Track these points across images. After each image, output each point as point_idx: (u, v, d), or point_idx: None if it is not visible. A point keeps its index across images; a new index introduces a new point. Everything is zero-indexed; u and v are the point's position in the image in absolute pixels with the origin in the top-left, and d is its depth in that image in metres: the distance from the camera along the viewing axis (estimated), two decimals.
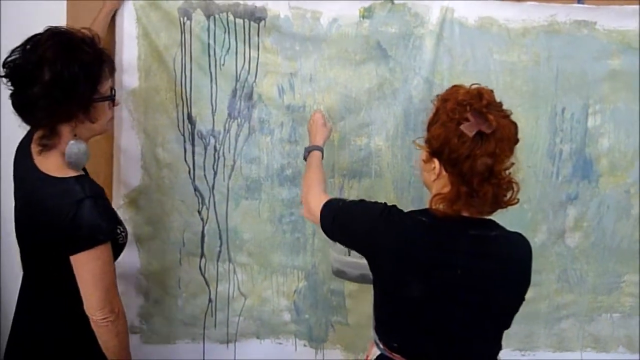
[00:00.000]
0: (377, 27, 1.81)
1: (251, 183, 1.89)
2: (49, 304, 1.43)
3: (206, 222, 1.90)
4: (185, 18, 1.76)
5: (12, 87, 1.31)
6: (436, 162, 1.22)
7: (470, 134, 1.14)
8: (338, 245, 1.50)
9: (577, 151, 1.89)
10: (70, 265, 1.34)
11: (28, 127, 1.40)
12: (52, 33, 1.32)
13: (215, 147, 1.85)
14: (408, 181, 1.89)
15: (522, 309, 1.29)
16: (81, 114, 1.34)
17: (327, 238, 1.42)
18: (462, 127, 1.15)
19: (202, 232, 1.90)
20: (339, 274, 1.75)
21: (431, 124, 1.23)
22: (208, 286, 1.94)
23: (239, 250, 1.92)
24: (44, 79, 1.27)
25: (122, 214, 1.84)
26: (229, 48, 1.79)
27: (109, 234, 1.34)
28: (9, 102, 1.33)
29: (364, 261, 1.32)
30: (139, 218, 1.88)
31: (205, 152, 1.85)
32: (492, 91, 1.22)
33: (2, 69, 1.31)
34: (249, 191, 1.89)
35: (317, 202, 1.39)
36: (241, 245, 1.92)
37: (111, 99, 1.40)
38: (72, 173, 1.34)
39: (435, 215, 1.22)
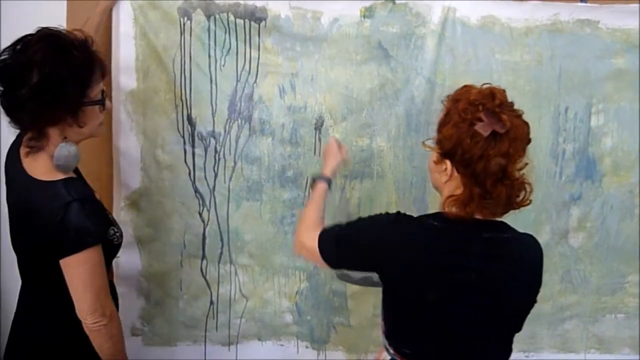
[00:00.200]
0: (378, 26, 1.80)
1: (252, 184, 1.88)
2: (46, 305, 1.43)
3: (207, 224, 1.90)
4: (185, 18, 1.75)
5: (0, 88, 1.29)
6: (448, 164, 1.21)
7: (485, 133, 1.13)
8: None
9: (580, 151, 1.89)
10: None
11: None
12: (43, 35, 1.31)
13: (215, 148, 1.85)
14: (410, 182, 1.89)
15: None
16: (69, 118, 1.32)
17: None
18: (476, 127, 1.14)
19: (203, 233, 1.90)
20: (343, 277, 1.75)
21: (442, 124, 1.22)
22: (209, 288, 1.94)
23: (240, 251, 1.92)
24: (32, 81, 1.26)
25: (123, 216, 1.85)
26: (229, 48, 1.78)
27: (97, 236, 1.33)
28: None
29: None
30: (139, 220, 1.88)
31: (206, 154, 1.85)
32: (504, 91, 1.21)
33: None
34: (250, 192, 1.89)
35: (310, 235, 1.35)
36: (242, 246, 1.92)
37: (101, 103, 1.38)
38: (60, 176, 1.34)
39: (447, 219, 1.21)
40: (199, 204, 1.88)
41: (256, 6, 1.76)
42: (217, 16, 1.75)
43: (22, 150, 1.37)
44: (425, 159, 1.81)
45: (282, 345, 2.00)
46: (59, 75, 1.27)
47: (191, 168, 1.86)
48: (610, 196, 1.91)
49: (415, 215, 1.84)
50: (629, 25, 1.80)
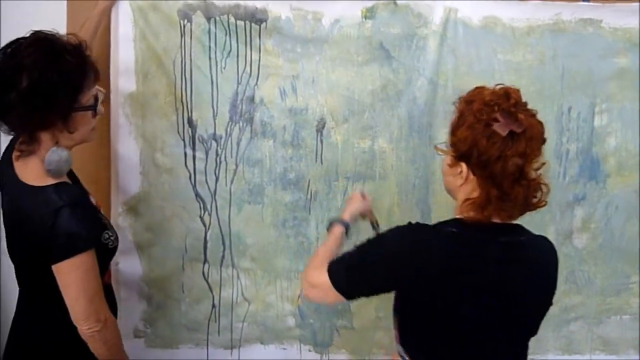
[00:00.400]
0: (379, 27, 1.80)
1: (254, 187, 1.88)
2: (42, 311, 1.43)
3: (208, 228, 1.89)
4: (185, 20, 1.75)
5: None
6: (463, 166, 1.20)
7: (504, 133, 1.12)
8: None
9: (583, 151, 1.88)
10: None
11: None
12: (35, 38, 1.30)
13: (217, 151, 1.84)
14: (412, 183, 1.89)
15: None
16: (60, 123, 1.32)
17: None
18: (494, 127, 1.13)
19: (205, 237, 1.89)
20: None
21: (456, 127, 1.21)
22: (211, 291, 1.93)
23: (242, 255, 1.91)
24: (21, 86, 1.25)
25: (121, 222, 1.84)
26: (229, 50, 1.78)
27: (89, 241, 1.32)
28: None
29: None
30: (138, 225, 1.87)
31: (207, 157, 1.84)
32: (518, 90, 1.20)
33: None
34: (251, 195, 1.88)
35: (317, 272, 1.29)
36: (244, 250, 1.91)
37: (93, 109, 1.37)
38: (51, 181, 1.33)
39: (464, 225, 1.20)
40: (200, 208, 1.87)
41: (257, 8, 1.75)
42: (217, 18, 1.75)
43: (14, 154, 1.37)
44: (427, 160, 1.88)
45: (284, 348, 1.98)
46: (49, 80, 1.26)
47: (192, 171, 1.85)
48: (614, 196, 1.90)
49: (417, 217, 1.89)
50: (632, 24, 1.80)
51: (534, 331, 1.27)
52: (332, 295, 1.26)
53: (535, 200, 1.18)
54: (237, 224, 1.89)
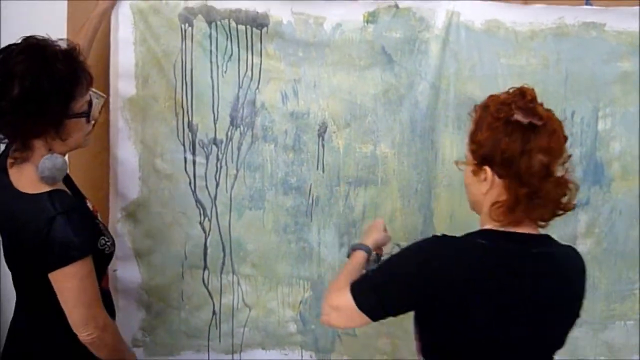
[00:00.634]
0: (381, 32, 1.79)
1: (254, 192, 1.86)
2: (39, 318, 1.42)
3: (208, 234, 1.87)
4: (187, 24, 1.74)
5: None
6: (487, 171, 1.17)
7: (525, 120, 1.11)
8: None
9: (587, 155, 1.87)
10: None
11: None
12: (26, 45, 1.30)
13: (217, 156, 1.83)
14: (415, 189, 1.87)
15: None
16: (52, 131, 1.32)
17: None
18: (515, 116, 1.12)
19: (205, 244, 1.88)
20: None
21: (474, 132, 1.20)
22: (212, 298, 1.92)
23: (243, 261, 1.90)
24: (12, 94, 1.25)
25: (120, 228, 1.83)
26: (231, 55, 1.77)
27: (83, 250, 1.32)
28: None
29: None
30: (137, 232, 1.85)
31: (207, 162, 1.83)
32: (533, 89, 1.20)
33: None
34: (252, 201, 1.87)
35: (339, 294, 1.22)
36: (245, 256, 1.90)
37: (86, 115, 1.37)
38: (45, 188, 1.33)
39: (494, 235, 1.17)
40: (200, 214, 1.86)
41: (258, 12, 1.74)
42: (218, 22, 1.74)
43: (8, 161, 1.37)
44: (430, 164, 1.86)
45: (286, 354, 1.96)
46: (40, 88, 1.26)
47: (192, 177, 1.83)
48: (618, 201, 1.89)
49: (419, 223, 1.87)
50: (636, 28, 1.79)
51: (561, 344, 1.24)
52: (356, 317, 1.20)
53: (564, 200, 1.16)
54: (238, 229, 1.87)
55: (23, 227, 1.31)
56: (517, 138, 1.12)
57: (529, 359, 1.20)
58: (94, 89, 1.52)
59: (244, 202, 1.86)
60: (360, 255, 1.39)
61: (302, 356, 1.96)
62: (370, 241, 1.44)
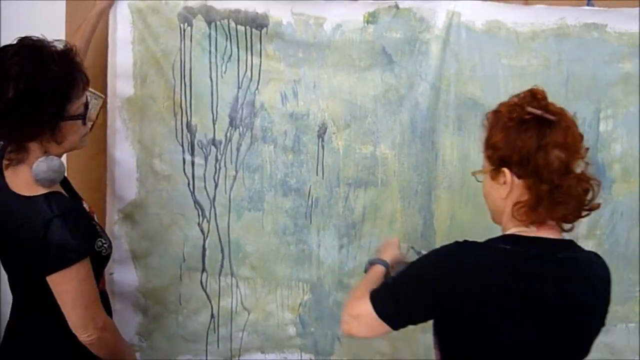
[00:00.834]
0: (382, 32, 1.78)
1: (254, 194, 1.85)
2: (38, 317, 1.41)
3: (207, 236, 1.85)
4: (186, 24, 1.73)
5: None
6: (506, 172, 1.15)
7: (539, 112, 1.11)
8: None
9: (589, 157, 1.82)
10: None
11: None
12: (21, 47, 1.29)
13: (216, 157, 1.81)
14: (415, 190, 1.86)
15: None
16: (47, 133, 1.30)
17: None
18: (528, 109, 1.12)
19: (203, 245, 1.86)
20: None
21: (489, 137, 1.19)
22: (210, 301, 1.89)
23: (242, 263, 1.88)
24: (6, 97, 1.24)
25: (117, 230, 1.81)
26: (230, 55, 1.76)
27: (81, 252, 1.31)
28: None
29: None
30: (135, 233, 1.83)
31: (206, 163, 1.81)
32: (544, 90, 1.20)
33: None
34: (251, 202, 1.85)
35: (359, 303, 1.20)
36: (244, 258, 1.88)
37: (81, 117, 1.35)
38: (41, 190, 1.31)
39: (518, 240, 1.15)
40: (199, 215, 1.84)
41: (257, 13, 1.73)
42: (217, 22, 1.73)
43: (3, 163, 1.35)
44: (430, 165, 1.85)
45: (285, 358, 1.95)
46: (35, 90, 1.25)
47: (190, 178, 1.81)
48: (620, 203, 1.89)
49: (419, 224, 1.85)
50: (637, 29, 1.79)
51: (587, 352, 1.21)
52: (376, 326, 1.17)
53: (588, 198, 1.14)
54: (237, 231, 1.85)
55: (20, 229, 1.30)
56: (533, 134, 1.11)
57: None
58: (91, 90, 1.50)
59: (243, 204, 1.84)
60: (379, 269, 1.37)
61: (301, 359, 1.94)
62: (387, 257, 1.42)
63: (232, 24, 1.72)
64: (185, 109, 1.76)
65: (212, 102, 1.77)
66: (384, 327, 1.16)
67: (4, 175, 1.35)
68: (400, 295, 1.16)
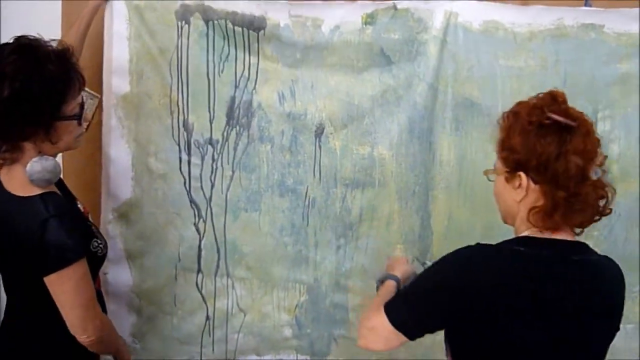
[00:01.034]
0: (380, 33, 1.77)
1: (251, 194, 1.82)
2: (34, 317, 1.38)
3: (203, 236, 1.82)
4: (183, 22, 1.70)
5: None
6: (522, 177, 1.13)
7: (561, 120, 1.08)
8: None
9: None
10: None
11: None
12: (17, 46, 1.27)
13: (213, 156, 1.79)
14: (412, 190, 1.84)
15: None
16: (42, 133, 1.29)
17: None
18: (552, 116, 1.09)
19: (199, 246, 1.83)
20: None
21: (506, 139, 1.15)
22: (205, 303, 1.86)
23: (238, 264, 1.85)
24: (2, 96, 1.23)
25: (111, 229, 1.77)
26: (227, 54, 1.73)
27: (78, 252, 1.30)
28: None
29: None
30: (130, 233, 1.80)
31: (202, 162, 1.79)
32: (563, 93, 1.16)
33: None
34: (248, 202, 1.82)
35: (374, 315, 1.17)
36: (240, 259, 1.85)
37: (77, 118, 1.34)
38: (37, 190, 1.30)
39: (532, 242, 1.12)
40: (195, 215, 1.81)
41: (254, 15, 1.71)
42: (215, 22, 1.70)
43: None
44: (428, 166, 1.82)
45: (281, 359, 1.91)
46: (31, 90, 1.23)
47: (186, 177, 1.79)
48: (617, 204, 1.76)
49: (417, 225, 1.82)
50: (635, 30, 1.78)
51: (602, 357, 1.18)
52: (392, 336, 1.14)
53: (602, 203, 1.13)
54: (233, 232, 1.83)
55: (15, 229, 1.28)
56: (553, 140, 1.08)
57: None
58: (87, 89, 1.47)
59: (240, 204, 1.81)
60: (390, 284, 1.34)
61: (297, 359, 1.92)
62: (398, 272, 1.40)
63: (230, 25, 1.70)
64: (182, 107, 1.73)
65: (209, 101, 1.74)
66: (399, 337, 1.14)
67: None
68: (413, 303, 1.14)
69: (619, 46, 1.78)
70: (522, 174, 1.12)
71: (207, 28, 1.70)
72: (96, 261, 1.41)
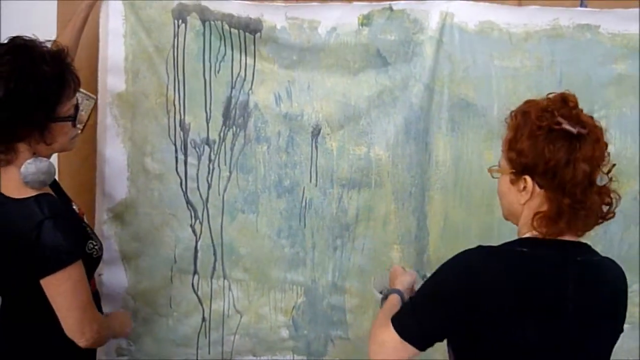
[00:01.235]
0: (376, 34, 1.74)
1: (248, 195, 1.79)
2: (29, 319, 1.36)
3: (199, 237, 1.79)
4: (180, 21, 1.67)
5: None
6: (528, 180, 1.10)
7: (575, 130, 1.05)
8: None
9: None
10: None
11: None
12: (12, 46, 1.26)
13: (209, 157, 1.75)
14: (409, 191, 1.81)
15: None
16: (37, 135, 1.27)
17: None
18: (564, 125, 1.05)
19: (195, 247, 1.79)
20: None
21: (513, 140, 1.12)
22: (201, 304, 1.83)
23: (235, 266, 1.82)
24: None
25: (106, 230, 1.74)
26: (224, 55, 1.70)
27: (74, 253, 1.29)
28: None
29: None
30: (124, 234, 1.77)
31: (199, 163, 1.75)
32: (574, 95, 1.14)
33: None
34: (245, 204, 1.79)
35: (383, 327, 1.15)
36: (237, 260, 1.82)
37: (72, 119, 1.32)
38: (31, 192, 1.28)
39: (535, 243, 1.10)
40: (191, 216, 1.78)
41: (250, 18, 1.68)
42: (212, 22, 1.68)
43: None
44: (424, 166, 1.80)
45: None
46: (25, 91, 1.22)
47: (183, 178, 1.75)
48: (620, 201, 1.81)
49: (413, 226, 1.80)
50: (630, 30, 1.76)
51: (604, 358, 1.16)
52: (402, 349, 1.11)
53: (606, 209, 1.11)
54: (230, 233, 1.79)
55: (10, 231, 1.26)
56: (562, 147, 1.05)
57: None
58: (83, 91, 1.44)
59: (237, 205, 1.78)
60: (394, 298, 1.31)
61: None
62: (399, 285, 1.37)
63: (226, 26, 1.67)
64: (179, 107, 1.70)
65: (205, 101, 1.71)
66: (409, 349, 1.11)
67: None
68: (420, 313, 1.12)
69: (615, 47, 1.76)
70: (527, 177, 1.10)
71: (204, 28, 1.67)
72: (91, 263, 1.40)
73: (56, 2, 1.68)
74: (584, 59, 1.76)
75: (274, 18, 1.68)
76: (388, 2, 1.72)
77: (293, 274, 1.81)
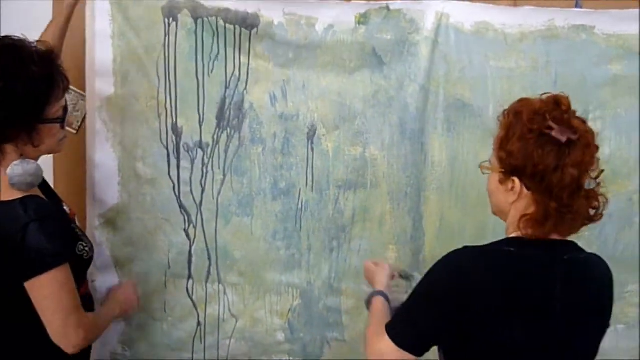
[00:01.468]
0: (372, 33, 1.70)
1: (242, 198, 1.73)
2: (15, 325, 1.31)
3: (193, 242, 1.73)
4: (171, 19, 1.59)
5: None
6: (516, 182, 1.08)
7: (564, 139, 1.02)
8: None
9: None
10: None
11: None
12: (1, 46, 1.22)
13: (203, 160, 1.69)
14: (404, 192, 1.78)
15: None
16: (24, 136, 1.23)
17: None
18: (553, 133, 1.03)
19: (189, 252, 1.73)
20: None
21: (504, 140, 1.10)
22: (196, 309, 1.77)
23: (230, 270, 1.76)
24: None
25: (98, 236, 1.67)
26: (217, 53, 1.63)
27: (60, 257, 1.24)
28: None
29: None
30: (117, 239, 1.70)
31: (192, 166, 1.69)
32: (567, 97, 1.11)
33: None
34: (240, 207, 1.73)
35: (378, 337, 1.13)
36: (232, 264, 1.76)
37: (60, 121, 1.27)
38: (17, 194, 1.24)
39: (522, 243, 1.09)
40: (185, 221, 1.71)
41: (248, 12, 1.61)
42: (205, 19, 1.60)
43: None
44: (419, 167, 1.76)
45: None
46: (14, 91, 1.18)
47: (176, 182, 1.69)
48: (608, 204, 1.78)
49: (409, 226, 1.76)
50: (625, 31, 1.74)
51: (594, 354, 1.16)
52: (400, 357, 1.10)
53: (593, 212, 1.09)
54: (224, 237, 1.74)
55: None
56: (552, 152, 1.03)
57: None
58: (79, 90, 1.38)
59: (231, 208, 1.72)
60: (379, 301, 1.31)
61: None
62: (379, 285, 1.37)
63: (221, 22, 1.60)
64: (171, 110, 1.63)
65: (198, 103, 1.64)
66: (407, 356, 1.10)
67: None
68: (413, 319, 1.12)
69: (610, 47, 1.73)
70: (516, 179, 1.09)
71: (196, 26, 1.59)
72: (82, 264, 1.36)
73: (47, 3, 1.61)
74: (579, 59, 1.74)
75: (271, 13, 1.63)
76: (385, 2, 1.68)
77: (289, 276, 1.77)
